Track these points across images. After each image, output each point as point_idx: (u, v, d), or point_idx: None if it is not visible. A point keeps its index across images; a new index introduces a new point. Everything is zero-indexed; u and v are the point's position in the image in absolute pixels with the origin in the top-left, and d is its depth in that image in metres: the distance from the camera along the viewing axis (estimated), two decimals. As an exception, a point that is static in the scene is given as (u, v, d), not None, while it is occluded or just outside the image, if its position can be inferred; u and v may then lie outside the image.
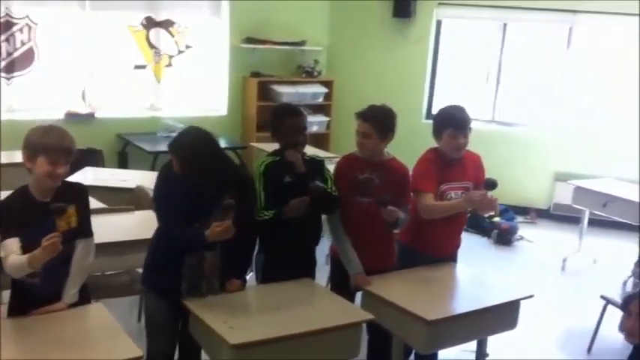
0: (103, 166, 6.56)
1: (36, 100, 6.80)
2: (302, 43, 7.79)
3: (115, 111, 7.16)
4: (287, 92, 7.49)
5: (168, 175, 3.05)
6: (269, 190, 3.25)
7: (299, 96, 7.49)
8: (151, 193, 4.64)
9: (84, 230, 2.86)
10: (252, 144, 7.00)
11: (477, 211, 3.68)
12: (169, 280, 3.03)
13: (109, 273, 4.01)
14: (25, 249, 2.63)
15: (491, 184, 3.44)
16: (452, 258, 3.77)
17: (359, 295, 3.42)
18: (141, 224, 4.14)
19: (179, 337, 3.12)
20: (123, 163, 7.03)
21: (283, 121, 3.34)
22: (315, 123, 7.59)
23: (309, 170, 3.29)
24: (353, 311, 3.13)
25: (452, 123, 3.51)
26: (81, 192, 2.90)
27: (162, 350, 3.10)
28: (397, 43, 7.86)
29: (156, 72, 7.36)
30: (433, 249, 3.62)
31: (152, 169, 6.31)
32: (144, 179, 5.20)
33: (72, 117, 6.82)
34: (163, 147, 6.63)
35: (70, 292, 2.83)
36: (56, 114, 6.78)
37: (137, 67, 7.26)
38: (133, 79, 7.27)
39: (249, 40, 7.51)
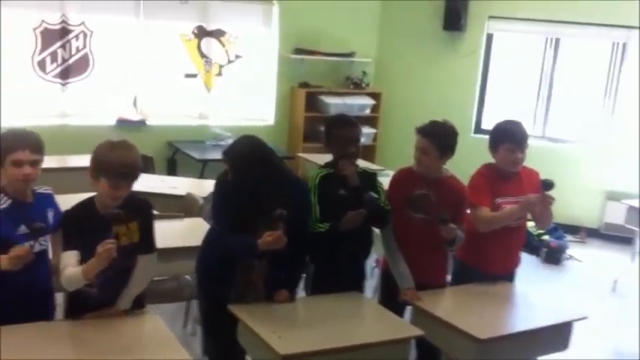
0: (153, 172, 6.66)
1: (89, 105, 6.95)
2: (351, 55, 7.80)
3: (165, 118, 7.27)
4: (335, 103, 7.50)
5: (224, 182, 3.07)
6: (323, 202, 3.24)
7: (346, 107, 7.48)
8: (201, 201, 4.73)
9: (145, 245, 2.88)
10: (299, 154, 7.02)
11: (535, 222, 3.62)
12: (220, 286, 3.06)
13: (157, 279, 4.04)
14: (84, 262, 2.65)
15: (549, 184, 3.37)
16: (509, 276, 3.70)
17: (408, 310, 3.39)
18: (190, 231, 4.17)
19: (227, 342, 3.12)
20: (171, 170, 7.12)
21: (337, 130, 3.33)
22: (363, 135, 7.56)
23: (362, 183, 3.27)
24: (402, 326, 3.09)
25: (510, 137, 3.47)
26: (145, 207, 2.93)
27: (214, 354, 3.12)
28: (447, 56, 7.81)
29: (206, 81, 7.45)
30: (489, 266, 3.56)
31: (200, 176, 6.38)
32: (193, 186, 5.27)
33: (123, 123, 6.95)
34: (212, 155, 6.74)
35: (125, 300, 2.85)
36: (108, 120, 6.93)
37: (188, 75, 7.36)
38: (183, 88, 7.37)
39: (298, 51, 7.55)
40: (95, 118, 6.89)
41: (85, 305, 2.79)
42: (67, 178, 4.66)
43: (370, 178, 3.39)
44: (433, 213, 3.27)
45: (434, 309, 3.21)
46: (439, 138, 3.30)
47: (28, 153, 2.70)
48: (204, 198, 4.86)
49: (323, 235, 3.20)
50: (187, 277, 4.12)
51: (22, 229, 2.72)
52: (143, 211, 2.89)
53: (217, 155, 6.78)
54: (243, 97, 7.66)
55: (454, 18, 7.55)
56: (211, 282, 3.14)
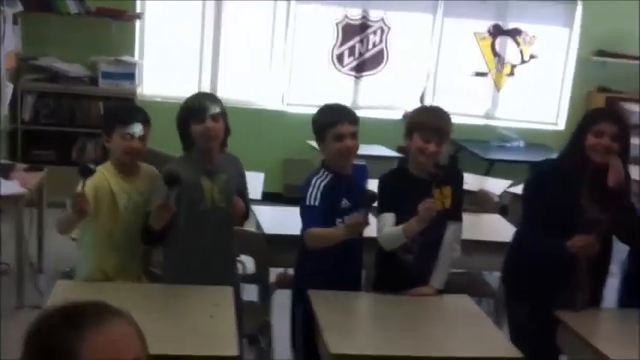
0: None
1: (379, 99, 7.13)
2: (663, 60, 7.03)
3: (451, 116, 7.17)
4: (637, 112, 6.82)
5: (549, 176, 2.87)
6: None
7: (652, 117, 6.77)
8: (496, 198, 4.56)
9: (456, 213, 2.90)
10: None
11: None
12: (530, 283, 2.88)
13: (454, 271, 3.98)
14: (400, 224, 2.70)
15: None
16: None
17: None
18: (487, 227, 4.06)
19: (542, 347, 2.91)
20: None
21: None
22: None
23: None
24: None
25: None
26: (457, 176, 2.99)
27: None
28: None
29: (496, 80, 7.25)
30: None
31: (486, 174, 6.18)
32: (482, 184, 5.13)
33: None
34: (498, 155, 6.52)
35: (438, 278, 2.84)
36: (395, 114, 7.04)
37: (477, 74, 7.22)
38: (471, 86, 7.25)
39: (601, 53, 6.99)
40: (383, 111, 7.05)
41: (400, 273, 2.80)
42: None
43: None
44: None
45: None
46: None
47: (347, 125, 2.77)
48: (499, 196, 4.69)
49: None
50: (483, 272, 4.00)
51: (345, 203, 2.80)
52: (456, 178, 2.95)
53: (504, 156, 6.63)
54: (534, 99, 7.31)
55: None
56: (520, 276, 2.96)
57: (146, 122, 2.80)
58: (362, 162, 3.03)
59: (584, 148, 2.76)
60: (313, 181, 2.80)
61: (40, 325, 1.20)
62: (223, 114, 2.78)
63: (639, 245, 2.93)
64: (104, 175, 2.76)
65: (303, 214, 2.81)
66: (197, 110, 2.72)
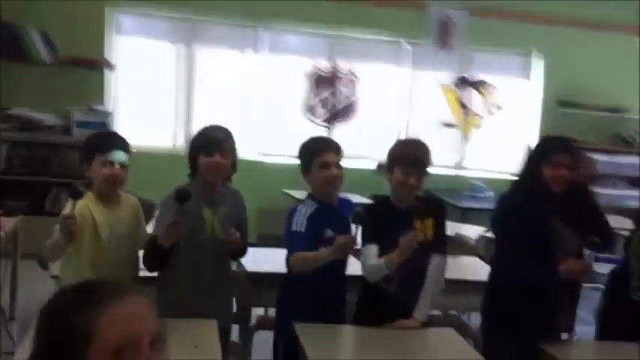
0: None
1: (352, 148, 7.19)
2: (621, 110, 7.32)
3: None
4: (601, 161, 7.05)
5: (513, 205, 2.95)
6: None
7: (615, 166, 7.03)
8: (472, 242, 4.63)
9: (439, 246, 2.90)
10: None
11: None
12: (514, 317, 2.88)
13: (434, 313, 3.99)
14: (383, 255, 2.73)
15: None
16: None
17: None
18: (464, 268, 4.10)
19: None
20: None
21: None
22: (632, 197, 7.01)
23: None
24: None
25: None
26: (440, 208, 3.01)
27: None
28: None
29: (464, 131, 7.43)
30: None
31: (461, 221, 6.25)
32: (457, 228, 5.19)
33: (383, 168, 7.08)
34: (469, 204, 6.61)
35: (422, 310, 2.83)
36: (369, 164, 7.12)
37: (446, 125, 7.40)
38: (440, 136, 7.41)
39: (563, 104, 7.25)
40: (357, 161, 7.12)
41: (382, 304, 2.81)
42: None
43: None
44: None
45: None
46: None
47: (332, 155, 2.86)
48: (476, 240, 4.76)
49: None
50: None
51: (328, 233, 2.83)
52: (438, 210, 2.97)
53: (475, 205, 6.71)
54: (502, 149, 7.51)
55: None
56: (503, 312, 2.96)
57: (126, 150, 2.78)
58: (349, 198, 3.09)
59: (541, 178, 2.85)
60: (299, 209, 2.85)
61: (54, 303, 1.14)
62: (233, 150, 2.81)
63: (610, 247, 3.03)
64: (86, 203, 2.73)
65: (288, 240, 2.84)
66: (208, 143, 2.75)
